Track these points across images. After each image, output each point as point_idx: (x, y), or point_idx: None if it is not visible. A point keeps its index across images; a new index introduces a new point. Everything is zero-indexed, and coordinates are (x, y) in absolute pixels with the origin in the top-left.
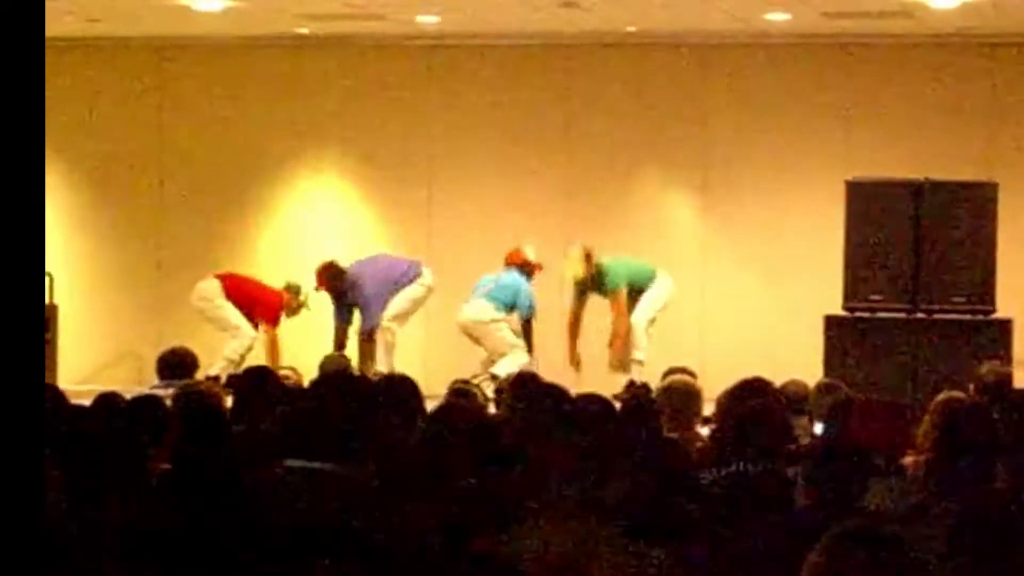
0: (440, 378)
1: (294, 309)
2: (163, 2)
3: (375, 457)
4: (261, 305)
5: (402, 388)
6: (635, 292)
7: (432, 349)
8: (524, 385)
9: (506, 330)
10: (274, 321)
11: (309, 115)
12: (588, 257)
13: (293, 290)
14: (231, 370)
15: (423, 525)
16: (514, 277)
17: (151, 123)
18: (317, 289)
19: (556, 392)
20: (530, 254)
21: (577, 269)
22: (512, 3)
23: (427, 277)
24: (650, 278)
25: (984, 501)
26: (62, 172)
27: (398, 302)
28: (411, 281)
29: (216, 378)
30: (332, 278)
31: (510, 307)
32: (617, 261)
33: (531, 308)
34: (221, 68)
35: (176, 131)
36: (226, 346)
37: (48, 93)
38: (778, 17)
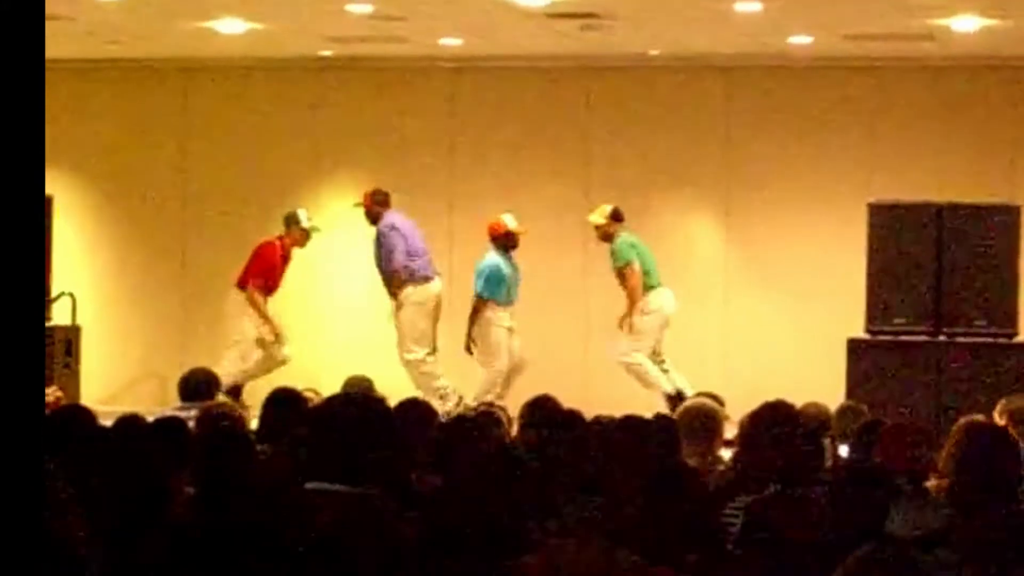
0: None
1: (303, 238)
2: (187, 24)
3: (394, 479)
4: (268, 266)
5: (419, 410)
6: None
7: (454, 373)
8: (540, 409)
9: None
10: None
11: (331, 137)
12: (613, 214)
13: (291, 221)
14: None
15: (444, 548)
16: (488, 256)
17: (174, 144)
18: (357, 205)
19: (573, 416)
20: (509, 222)
21: (596, 216)
22: (535, 26)
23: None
24: (652, 282)
25: (1003, 525)
26: (85, 192)
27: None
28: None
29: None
30: (377, 201)
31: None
32: (635, 244)
33: (484, 286)
34: (244, 90)
35: (199, 152)
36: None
37: (72, 114)
38: (801, 40)
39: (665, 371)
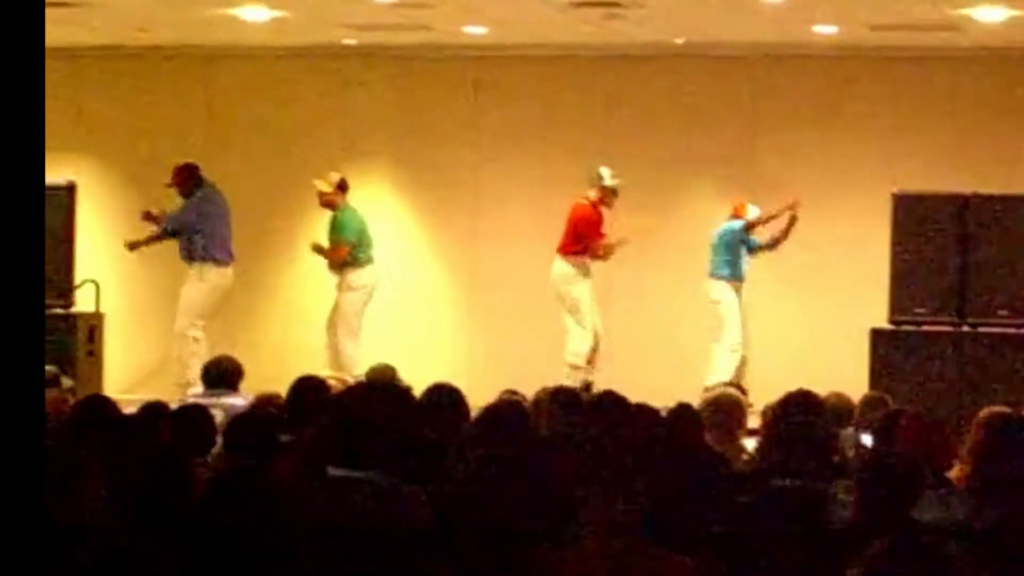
0: (485, 391)
1: (608, 196)
2: (211, 12)
3: (419, 467)
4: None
5: (448, 397)
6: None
7: (477, 358)
8: (565, 399)
9: (720, 307)
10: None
11: (355, 125)
12: (340, 183)
13: (593, 181)
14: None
15: (467, 536)
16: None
17: (198, 132)
18: (169, 185)
19: (597, 405)
20: (750, 211)
21: (323, 184)
22: (559, 14)
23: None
24: (365, 257)
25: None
26: (110, 179)
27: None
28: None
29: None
30: (188, 176)
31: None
32: (351, 220)
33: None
34: (268, 78)
35: (223, 141)
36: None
37: (96, 102)
38: (825, 30)
39: None
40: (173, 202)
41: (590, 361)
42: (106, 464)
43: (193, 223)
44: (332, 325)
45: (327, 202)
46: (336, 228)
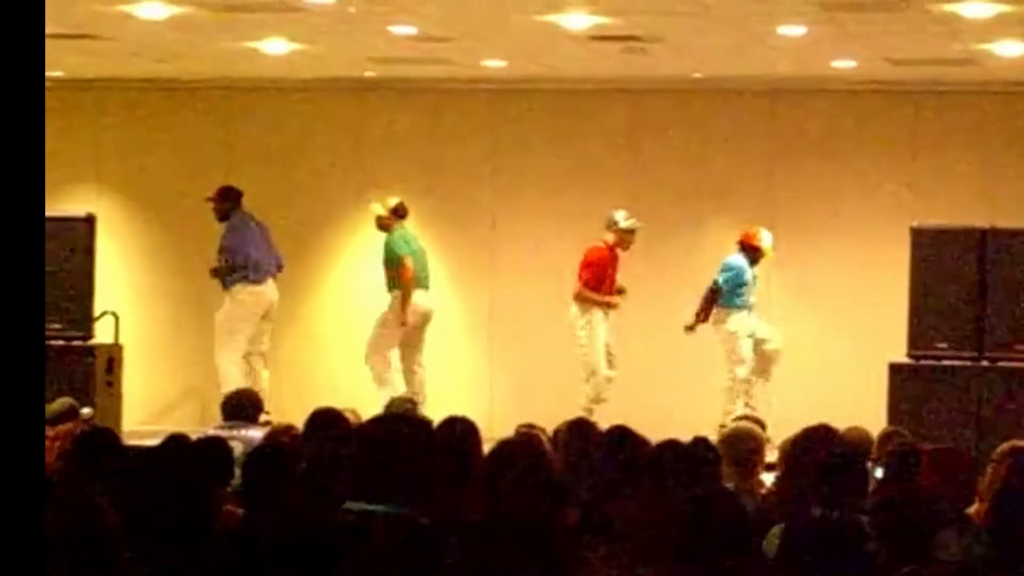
0: (505, 426)
1: (626, 239)
2: (232, 45)
3: (434, 500)
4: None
5: (462, 430)
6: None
7: (497, 390)
8: (580, 431)
9: (733, 338)
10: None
11: (374, 158)
12: (395, 208)
13: (610, 224)
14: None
15: (484, 570)
16: (733, 258)
17: (218, 164)
18: (208, 200)
19: (614, 439)
20: (761, 239)
21: (378, 206)
22: (578, 48)
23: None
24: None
25: None
26: (128, 213)
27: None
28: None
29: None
30: (226, 197)
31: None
32: (409, 242)
33: (726, 283)
34: (288, 110)
35: (242, 172)
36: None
37: (116, 134)
38: (844, 64)
39: (413, 372)
40: (193, 232)
41: (595, 401)
42: (115, 497)
43: (235, 248)
44: (402, 351)
45: (382, 225)
46: (386, 250)
